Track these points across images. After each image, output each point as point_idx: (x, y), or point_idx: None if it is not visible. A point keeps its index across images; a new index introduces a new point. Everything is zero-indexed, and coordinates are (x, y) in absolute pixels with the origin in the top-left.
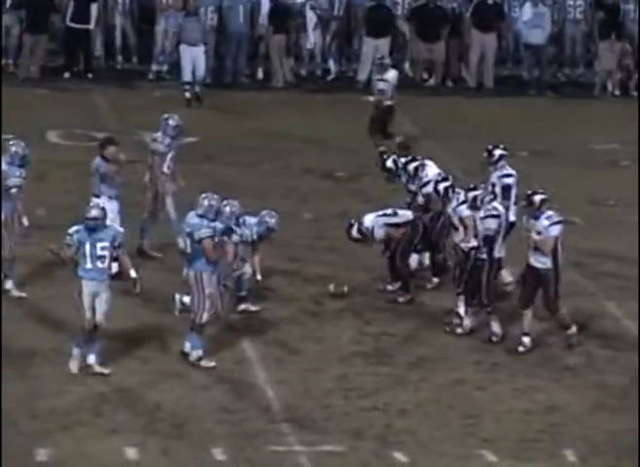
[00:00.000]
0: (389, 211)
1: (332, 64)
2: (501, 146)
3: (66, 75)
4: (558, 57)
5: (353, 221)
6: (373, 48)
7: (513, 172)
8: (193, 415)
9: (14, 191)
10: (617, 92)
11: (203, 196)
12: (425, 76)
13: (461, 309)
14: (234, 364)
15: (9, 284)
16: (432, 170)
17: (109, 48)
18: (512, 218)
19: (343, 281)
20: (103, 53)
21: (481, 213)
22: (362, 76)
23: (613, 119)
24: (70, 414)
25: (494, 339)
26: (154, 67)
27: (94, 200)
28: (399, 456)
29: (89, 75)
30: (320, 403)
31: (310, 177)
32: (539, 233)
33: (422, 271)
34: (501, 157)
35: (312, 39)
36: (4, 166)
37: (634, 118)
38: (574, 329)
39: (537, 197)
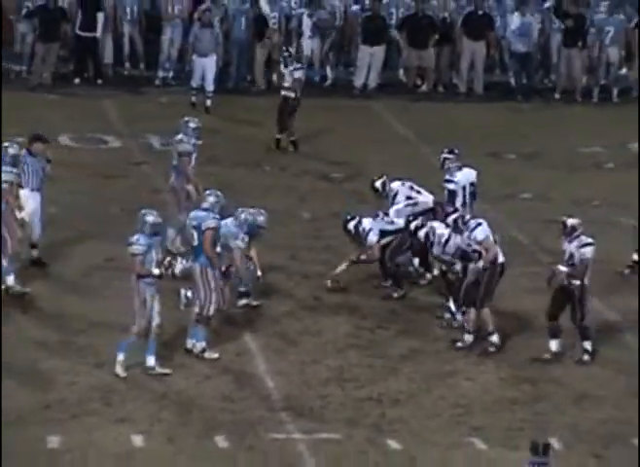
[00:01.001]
0: (387, 218)
1: (329, 71)
2: (455, 150)
3: (76, 81)
4: (545, 64)
5: (356, 216)
6: (369, 55)
7: (455, 179)
8: (196, 405)
9: (5, 186)
10: (578, 98)
11: (208, 192)
12: (418, 82)
13: (452, 304)
14: (236, 356)
15: (10, 280)
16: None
17: (117, 55)
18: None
19: (340, 277)
20: (112, 59)
21: (466, 233)
22: (358, 82)
23: (596, 123)
24: (80, 404)
25: (459, 344)
26: (160, 74)
27: (22, 192)
28: (392, 444)
29: (99, 81)
30: (318, 393)
31: (308, 178)
32: None
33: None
34: (445, 160)
35: (308, 47)
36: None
37: (617, 122)
38: (496, 338)
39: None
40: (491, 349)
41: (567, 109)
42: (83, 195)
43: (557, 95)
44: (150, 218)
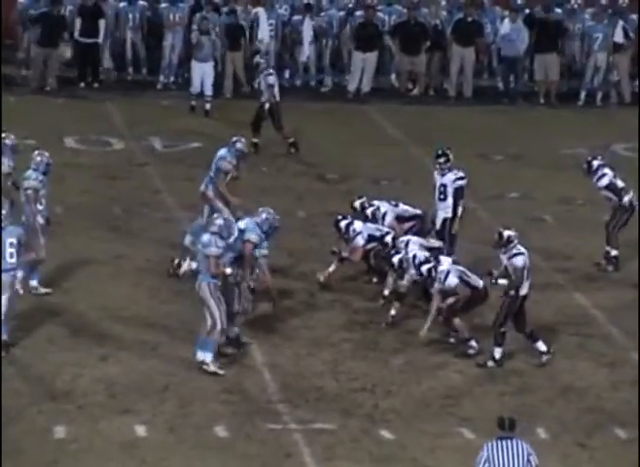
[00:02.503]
0: (380, 226)
1: (328, 77)
2: (448, 150)
3: (82, 85)
4: (531, 69)
5: (348, 217)
6: (362, 61)
7: (464, 175)
8: (197, 396)
9: (29, 192)
10: (554, 102)
11: (261, 209)
12: (409, 86)
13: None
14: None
15: (34, 282)
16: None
17: (120, 60)
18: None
19: (333, 276)
20: (115, 65)
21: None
22: (352, 86)
23: (580, 126)
24: (85, 396)
25: (471, 352)
26: (161, 78)
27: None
28: (385, 433)
29: (96, 85)
30: (313, 385)
31: (305, 179)
32: None
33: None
34: (447, 160)
35: (307, 53)
36: (29, 171)
37: (600, 125)
38: (474, 343)
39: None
40: (470, 352)
41: (551, 112)
42: (88, 195)
43: (542, 100)
44: (220, 221)
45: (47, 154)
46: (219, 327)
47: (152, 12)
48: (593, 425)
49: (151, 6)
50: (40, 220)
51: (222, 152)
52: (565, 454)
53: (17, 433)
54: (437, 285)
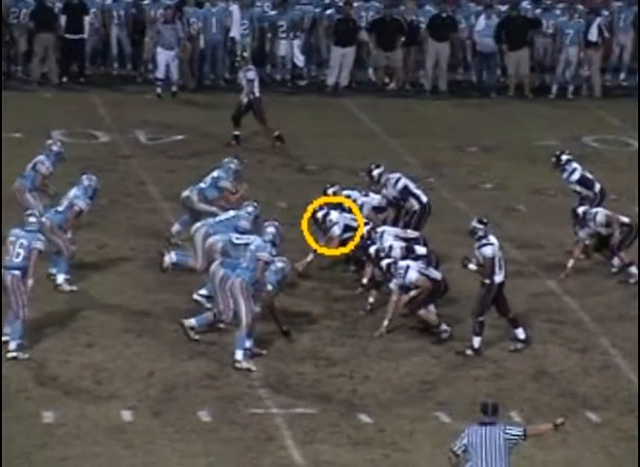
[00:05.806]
0: (353, 215)
1: (306, 71)
2: (380, 165)
3: (64, 80)
4: (503, 64)
5: (325, 207)
6: (341, 56)
7: (397, 175)
8: (181, 382)
9: (77, 208)
10: (528, 94)
11: (247, 203)
12: (386, 80)
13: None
14: (218, 336)
15: (60, 279)
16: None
17: (106, 55)
18: (416, 206)
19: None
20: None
21: (400, 280)
22: (330, 80)
23: (551, 118)
24: (73, 382)
25: (444, 336)
26: (147, 73)
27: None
28: (363, 418)
29: (82, 79)
30: (294, 370)
31: (285, 170)
32: None
33: None
34: (380, 175)
35: (282, 47)
36: (78, 191)
37: (570, 117)
38: (444, 326)
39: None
40: (444, 335)
41: (524, 105)
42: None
43: (512, 93)
44: (272, 229)
45: (94, 178)
46: (244, 323)
47: (136, 8)
48: (566, 409)
49: (135, 3)
50: (69, 234)
51: (219, 173)
52: (538, 437)
53: (7, 418)
54: (396, 280)
